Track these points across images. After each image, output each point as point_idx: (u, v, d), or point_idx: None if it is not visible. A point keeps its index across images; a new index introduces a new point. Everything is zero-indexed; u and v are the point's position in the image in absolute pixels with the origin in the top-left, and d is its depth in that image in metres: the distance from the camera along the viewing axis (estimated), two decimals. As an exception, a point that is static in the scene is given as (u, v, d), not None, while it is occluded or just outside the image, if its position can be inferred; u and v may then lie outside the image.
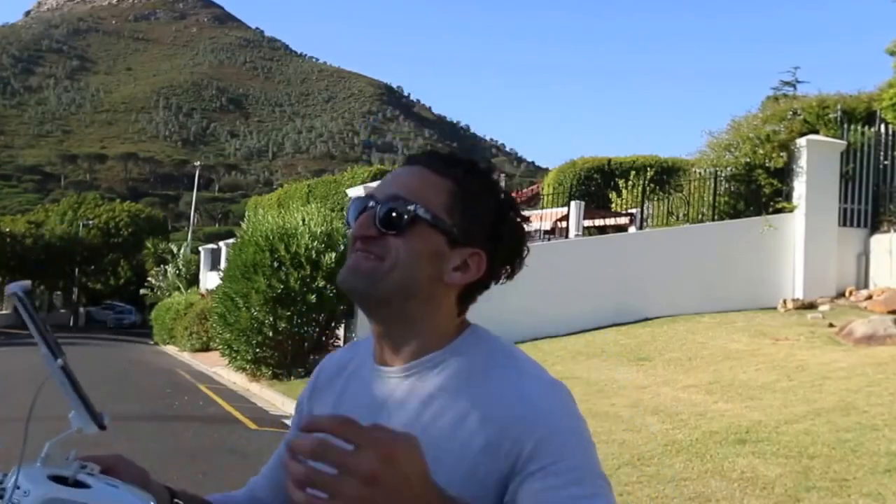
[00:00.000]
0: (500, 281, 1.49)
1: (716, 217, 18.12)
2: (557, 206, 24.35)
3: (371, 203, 1.37)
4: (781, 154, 17.41)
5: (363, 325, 16.29)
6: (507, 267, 1.46)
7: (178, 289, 41.00)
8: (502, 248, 1.42)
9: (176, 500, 1.45)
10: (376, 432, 0.97)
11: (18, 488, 1.22)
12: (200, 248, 44.06)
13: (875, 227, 17.55)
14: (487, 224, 1.39)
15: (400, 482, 0.96)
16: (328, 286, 15.85)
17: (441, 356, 1.39)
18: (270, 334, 15.87)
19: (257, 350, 16.13)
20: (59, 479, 1.25)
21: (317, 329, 16.44)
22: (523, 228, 1.47)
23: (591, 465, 1.26)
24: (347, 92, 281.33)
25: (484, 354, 1.41)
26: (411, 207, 1.33)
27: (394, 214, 1.33)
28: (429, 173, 1.39)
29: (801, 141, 17.33)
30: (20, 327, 51.02)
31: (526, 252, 1.48)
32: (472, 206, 1.38)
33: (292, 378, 15.80)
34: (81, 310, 67.73)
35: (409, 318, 1.39)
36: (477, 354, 1.40)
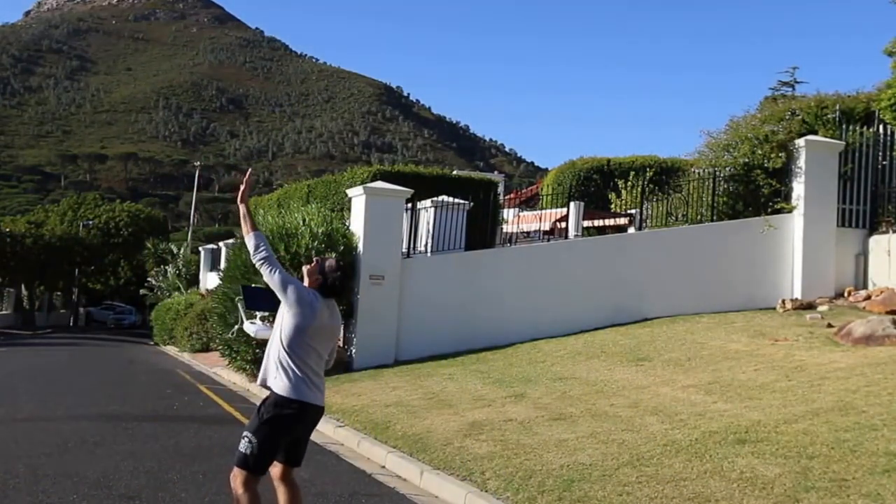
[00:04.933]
0: (328, 291, 5.49)
1: (715, 217, 18.15)
2: (557, 207, 24.37)
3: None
4: (780, 154, 17.44)
5: (363, 325, 16.33)
6: (332, 287, 5.47)
7: (178, 289, 40.96)
8: (325, 280, 5.44)
9: None
10: None
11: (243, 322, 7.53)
12: (200, 249, 44.04)
13: (873, 228, 17.57)
14: (323, 272, 5.45)
15: None
16: (328, 286, 15.83)
17: None
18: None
19: (257, 350, 16.10)
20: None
21: (317, 329, 16.42)
22: (334, 278, 5.45)
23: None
24: (347, 92, 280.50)
25: None
26: (311, 265, 5.58)
27: (308, 263, 5.70)
28: (316, 262, 5.59)
29: (800, 141, 17.36)
30: (20, 328, 51.05)
31: (336, 283, 5.48)
32: (321, 267, 5.47)
33: (292, 378, 15.78)
34: (81, 310, 67.69)
35: None
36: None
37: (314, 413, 5.29)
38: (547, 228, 23.76)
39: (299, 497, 5.45)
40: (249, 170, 5.84)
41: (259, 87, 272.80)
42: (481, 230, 20.07)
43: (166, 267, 45.62)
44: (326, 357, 5.47)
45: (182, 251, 47.95)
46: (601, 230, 23.12)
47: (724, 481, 6.66)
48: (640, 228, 20.59)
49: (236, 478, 5.17)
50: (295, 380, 5.16)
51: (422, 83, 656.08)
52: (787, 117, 18.20)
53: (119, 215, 68.96)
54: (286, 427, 5.19)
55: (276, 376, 5.22)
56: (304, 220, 16.59)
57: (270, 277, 5.26)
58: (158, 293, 43.77)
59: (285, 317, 5.26)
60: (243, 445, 5.15)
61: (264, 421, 5.15)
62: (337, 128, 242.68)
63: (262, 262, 5.32)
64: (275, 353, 5.25)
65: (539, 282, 17.23)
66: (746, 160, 17.73)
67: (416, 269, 17.10)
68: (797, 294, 17.09)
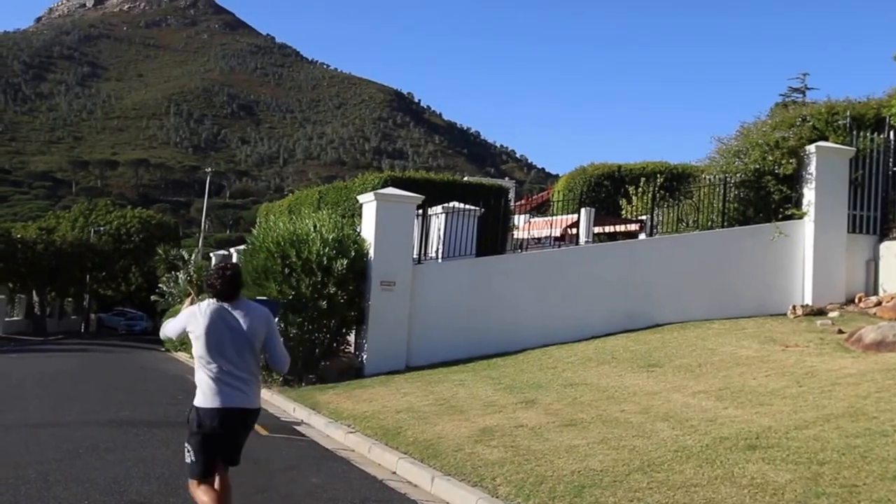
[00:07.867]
0: (216, 293, 5.63)
1: (725, 224, 18.12)
2: (568, 213, 24.35)
3: None
4: (791, 161, 17.42)
5: (374, 330, 16.35)
6: (209, 287, 5.62)
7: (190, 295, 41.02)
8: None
9: None
10: None
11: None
12: (212, 255, 44.16)
13: (884, 234, 17.53)
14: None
15: None
16: (339, 292, 15.88)
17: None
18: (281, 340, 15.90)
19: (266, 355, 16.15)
20: None
21: (328, 335, 16.46)
22: (207, 275, 5.80)
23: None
24: (358, 98, 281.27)
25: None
26: None
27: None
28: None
29: (811, 147, 17.33)
30: (31, 334, 51.25)
31: (210, 282, 5.64)
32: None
33: (303, 384, 15.82)
34: (92, 316, 67.91)
35: None
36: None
37: (237, 415, 5.60)
38: (558, 234, 23.73)
39: (229, 496, 5.75)
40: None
41: (270, 94, 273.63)
42: (492, 236, 20.09)
43: (177, 273, 45.69)
44: (251, 357, 5.75)
45: (193, 257, 47.95)
46: (612, 236, 23.09)
47: (735, 487, 6.66)
48: (650, 235, 20.56)
49: (189, 487, 5.68)
50: (204, 388, 5.57)
51: (433, 89, 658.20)
52: (798, 123, 18.17)
53: (130, 221, 69.19)
54: (204, 431, 5.53)
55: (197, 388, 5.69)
56: (315, 227, 16.63)
57: (165, 328, 6.00)
58: (169, 299, 43.82)
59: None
60: (186, 456, 5.62)
61: (189, 430, 5.61)
62: (348, 134, 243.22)
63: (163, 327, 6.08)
64: None
65: (550, 288, 17.23)
66: (757, 166, 17.71)
67: (427, 275, 17.13)
68: (808, 300, 17.06)
